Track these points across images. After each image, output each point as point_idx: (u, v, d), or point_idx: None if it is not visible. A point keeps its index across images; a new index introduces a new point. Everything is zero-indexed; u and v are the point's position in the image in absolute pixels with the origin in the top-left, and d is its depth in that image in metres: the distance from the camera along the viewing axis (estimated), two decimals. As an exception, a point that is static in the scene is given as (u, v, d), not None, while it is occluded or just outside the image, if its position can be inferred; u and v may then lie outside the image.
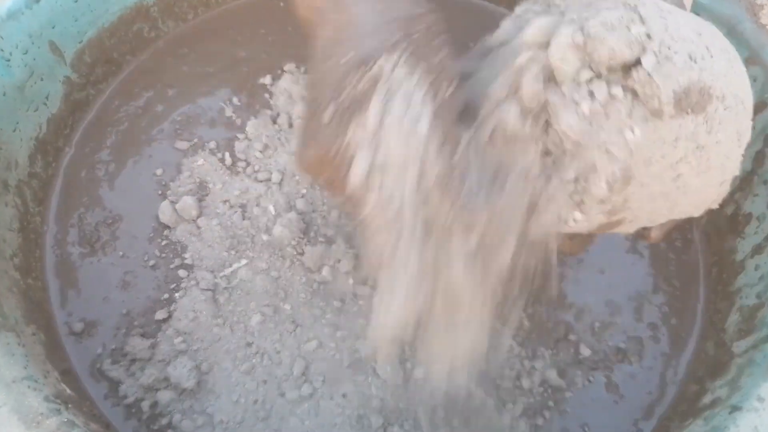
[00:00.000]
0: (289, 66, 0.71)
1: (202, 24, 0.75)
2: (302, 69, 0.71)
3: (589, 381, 0.59)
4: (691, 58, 0.37)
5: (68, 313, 0.59)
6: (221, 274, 0.59)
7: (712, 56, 0.38)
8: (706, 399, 0.54)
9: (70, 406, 0.48)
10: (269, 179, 0.64)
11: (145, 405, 0.54)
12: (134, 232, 0.62)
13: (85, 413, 0.50)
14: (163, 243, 0.62)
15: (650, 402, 0.59)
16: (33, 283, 0.58)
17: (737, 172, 0.41)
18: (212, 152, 0.66)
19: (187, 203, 0.62)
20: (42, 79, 0.62)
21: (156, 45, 0.73)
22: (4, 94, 0.58)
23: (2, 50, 0.58)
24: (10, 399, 0.44)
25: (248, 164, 0.65)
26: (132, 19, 0.70)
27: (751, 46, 0.62)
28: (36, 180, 0.63)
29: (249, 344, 0.57)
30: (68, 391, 0.51)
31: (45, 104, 0.63)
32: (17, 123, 0.60)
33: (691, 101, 0.37)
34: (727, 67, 0.39)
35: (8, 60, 0.59)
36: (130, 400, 0.55)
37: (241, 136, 0.67)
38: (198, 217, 0.62)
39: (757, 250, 0.60)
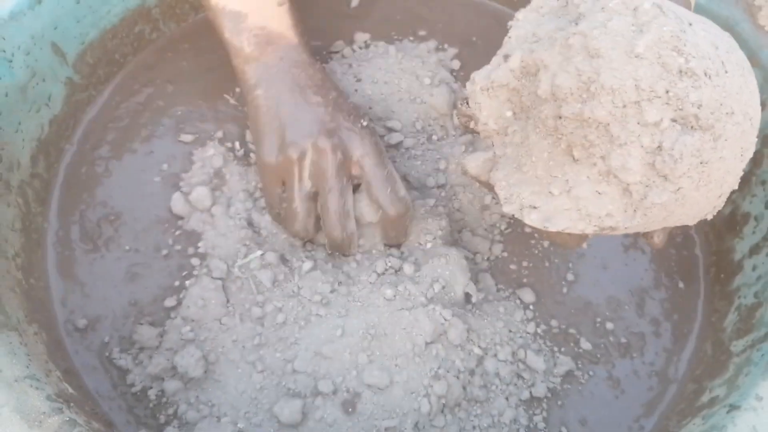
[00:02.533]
0: None
1: (202, 21, 0.75)
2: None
3: (590, 375, 0.59)
4: (706, 74, 0.36)
5: (71, 311, 0.59)
6: (237, 264, 0.59)
7: (726, 72, 0.37)
8: (705, 398, 0.54)
9: (72, 405, 0.48)
10: None
11: (152, 394, 0.55)
12: (139, 225, 0.63)
13: (87, 412, 0.50)
14: (177, 233, 0.62)
15: (651, 398, 0.59)
16: (35, 283, 0.59)
17: (736, 186, 0.41)
18: (221, 142, 0.67)
19: (201, 193, 0.62)
20: (44, 80, 0.63)
21: (157, 42, 0.73)
22: (6, 95, 0.59)
23: (4, 51, 0.58)
24: (12, 398, 0.44)
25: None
26: (134, 20, 0.70)
27: (749, 47, 0.62)
28: (38, 180, 0.63)
29: (258, 335, 0.57)
30: (70, 390, 0.51)
31: (47, 105, 0.64)
32: (19, 124, 0.60)
33: (700, 119, 0.36)
34: (740, 83, 0.38)
35: (10, 61, 0.59)
36: (137, 388, 0.55)
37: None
38: (212, 206, 0.62)
39: (755, 250, 0.60)
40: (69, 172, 0.65)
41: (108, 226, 0.63)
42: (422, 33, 0.75)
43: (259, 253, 0.60)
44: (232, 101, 0.69)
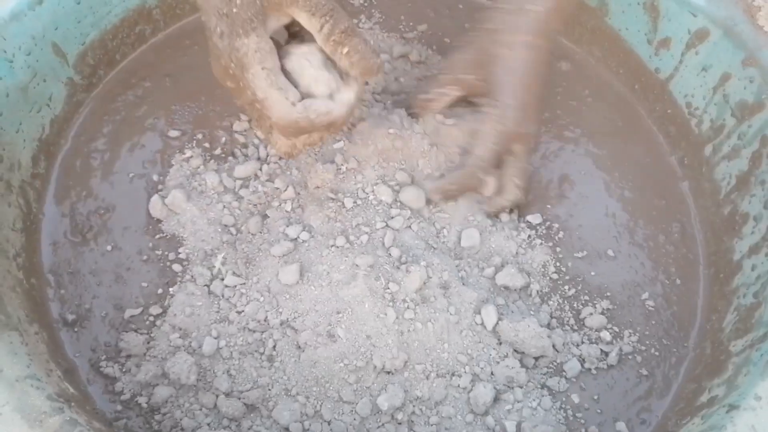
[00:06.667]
0: None
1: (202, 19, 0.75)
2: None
3: (585, 375, 0.59)
4: None
5: (61, 304, 0.59)
6: (215, 269, 0.59)
7: None
8: (704, 398, 0.54)
9: (72, 404, 0.48)
10: (266, 161, 0.65)
11: (143, 401, 0.54)
12: (125, 224, 0.62)
13: (87, 412, 0.50)
14: (157, 237, 0.62)
15: (650, 398, 0.59)
16: (36, 283, 0.59)
17: None
18: (199, 143, 0.66)
19: (177, 197, 0.62)
20: (45, 81, 0.63)
21: (157, 38, 0.74)
22: (8, 95, 0.59)
23: (5, 51, 0.58)
24: (13, 398, 0.44)
25: (246, 147, 0.66)
26: (134, 21, 0.70)
27: (748, 48, 0.62)
28: (39, 180, 0.63)
29: (246, 342, 0.57)
30: (71, 389, 0.51)
31: (48, 105, 0.64)
32: (20, 124, 0.61)
33: None
34: None
35: (11, 61, 0.59)
36: (126, 396, 0.55)
37: (244, 117, 0.68)
38: (189, 209, 0.62)
39: (754, 250, 0.60)
40: (65, 164, 0.65)
41: (97, 220, 0.62)
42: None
43: (220, 257, 0.60)
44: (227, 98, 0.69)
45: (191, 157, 0.65)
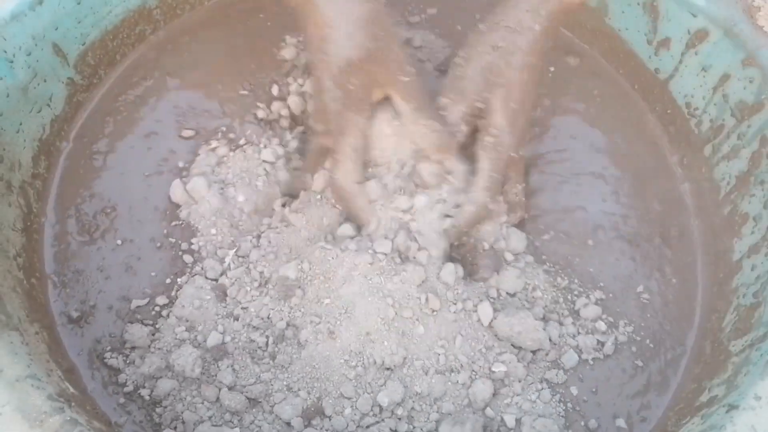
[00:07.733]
0: (291, 40, 0.73)
1: (203, 13, 0.76)
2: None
3: (584, 375, 0.59)
4: None
5: (65, 302, 0.59)
6: (225, 263, 0.60)
7: None
8: (704, 397, 0.54)
9: (73, 404, 0.48)
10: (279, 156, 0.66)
11: (145, 393, 0.54)
12: (136, 217, 0.63)
13: (88, 411, 0.50)
14: (173, 224, 0.62)
15: (650, 398, 0.59)
16: (36, 283, 0.59)
17: None
18: (224, 135, 0.67)
19: (198, 183, 0.62)
20: (45, 81, 0.63)
21: (157, 35, 0.74)
22: (8, 96, 0.59)
23: (5, 51, 0.59)
24: (13, 398, 0.45)
25: (256, 143, 0.67)
26: (135, 21, 0.71)
27: (747, 48, 0.62)
28: (39, 180, 0.63)
29: (254, 338, 0.57)
30: (71, 389, 0.51)
31: (48, 106, 0.64)
32: (21, 124, 0.61)
33: None
34: None
35: (11, 61, 0.59)
36: (129, 388, 0.55)
37: (253, 121, 0.68)
38: (209, 198, 0.62)
39: (754, 249, 0.60)
40: (67, 166, 0.65)
41: (104, 218, 0.63)
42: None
43: (232, 252, 0.60)
44: (243, 90, 0.69)
45: (216, 147, 0.66)
